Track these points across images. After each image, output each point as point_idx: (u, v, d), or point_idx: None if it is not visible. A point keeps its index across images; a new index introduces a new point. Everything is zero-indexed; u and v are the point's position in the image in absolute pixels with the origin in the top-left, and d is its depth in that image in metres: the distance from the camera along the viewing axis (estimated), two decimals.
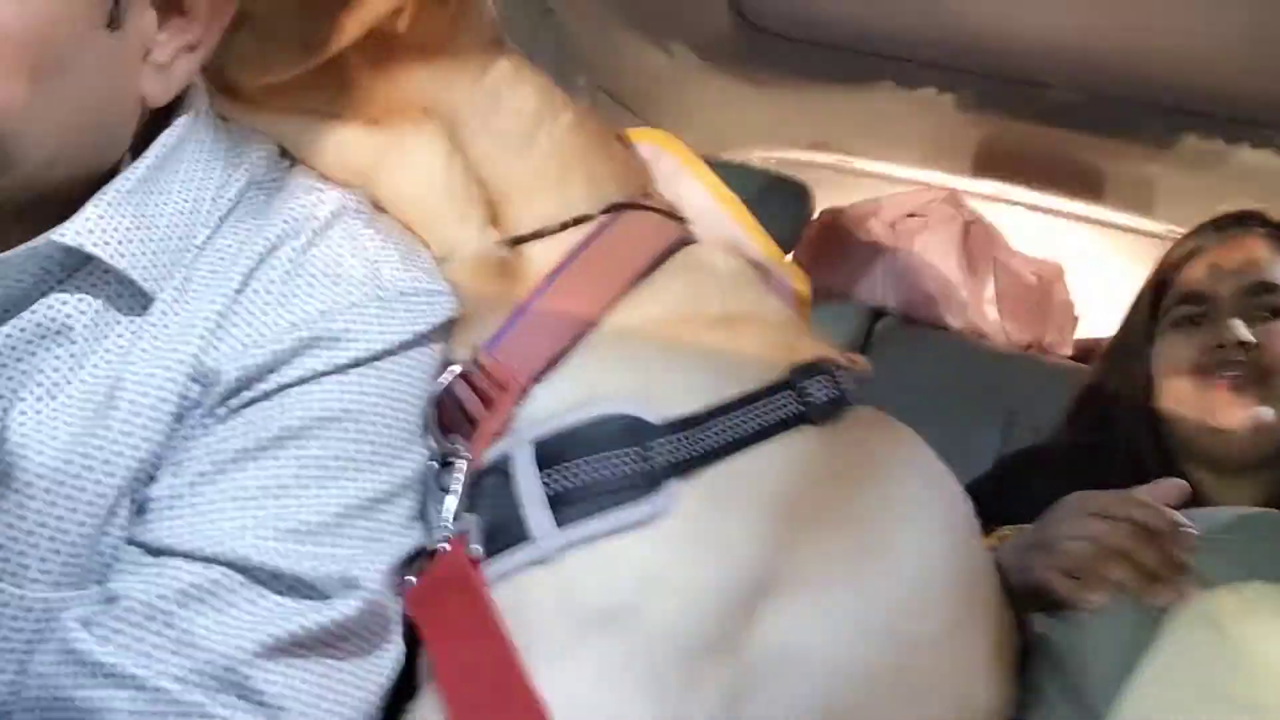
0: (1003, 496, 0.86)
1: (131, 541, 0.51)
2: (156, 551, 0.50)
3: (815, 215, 1.76)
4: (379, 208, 0.62)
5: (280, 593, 0.49)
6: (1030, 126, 1.71)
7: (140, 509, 0.51)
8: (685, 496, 0.56)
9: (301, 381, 0.52)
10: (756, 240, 0.73)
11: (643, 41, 1.64)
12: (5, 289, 0.50)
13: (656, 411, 0.57)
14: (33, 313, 0.51)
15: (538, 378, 0.59)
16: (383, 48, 0.63)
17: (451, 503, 0.56)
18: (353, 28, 0.60)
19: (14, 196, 0.50)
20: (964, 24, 1.49)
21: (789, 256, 1.81)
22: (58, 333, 0.51)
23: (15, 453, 0.49)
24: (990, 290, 1.75)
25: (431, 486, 0.58)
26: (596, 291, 0.62)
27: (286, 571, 0.50)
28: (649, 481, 0.56)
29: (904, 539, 0.61)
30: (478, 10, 0.68)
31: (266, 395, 0.52)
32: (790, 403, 0.61)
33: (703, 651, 0.54)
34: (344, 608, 0.50)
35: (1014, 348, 1.76)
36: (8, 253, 0.49)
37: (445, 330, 0.60)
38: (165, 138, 0.55)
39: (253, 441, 0.51)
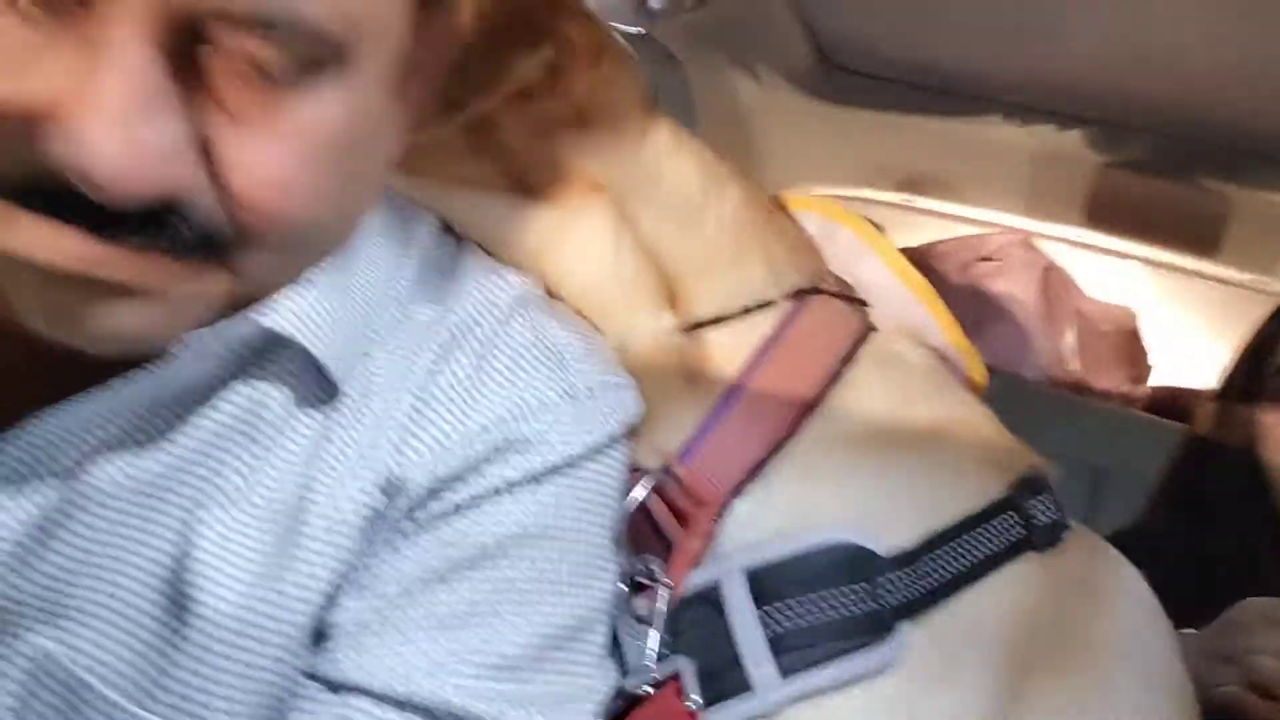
0: None
1: (312, 675, 0.45)
2: (340, 688, 0.44)
3: None
4: (550, 292, 0.56)
5: None
6: (1105, 170, 1.66)
7: (320, 635, 0.45)
8: (916, 644, 0.49)
9: (495, 493, 0.47)
10: (942, 324, 0.66)
11: (719, 77, 1.59)
12: (188, 375, 0.44)
13: (879, 539, 0.51)
14: (221, 404, 0.45)
15: (737, 491, 0.53)
16: (538, 113, 0.57)
17: (654, 638, 0.50)
18: (497, 86, 0.54)
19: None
20: (1044, 66, 1.45)
21: None
22: (243, 430, 0.45)
23: (202, 578, 0.43)
24: (1070, 339, 1.69)
25: (623, 614, 0.51)
26: (794, 392, 0.55)
27: (487, 718, 0.43)
28: (878, 625, 0.49)
29: (1125, 678, 0.54)
30: (631, 73, 0.62)
31: (457, 509, 0.46)
32: (1014, 525, 0.54)
33: None
34: None
35: (1095, 399, 1.70)
36: (203, 330, 0.42)
37: (630, 429, 0.54)
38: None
39: (444, 562, 0.46)
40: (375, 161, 0.45)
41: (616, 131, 0.59)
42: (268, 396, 0.46)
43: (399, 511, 0.46)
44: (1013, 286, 1.68)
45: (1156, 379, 1.84)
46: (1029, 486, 0.56)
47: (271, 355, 0.46)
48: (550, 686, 0.46)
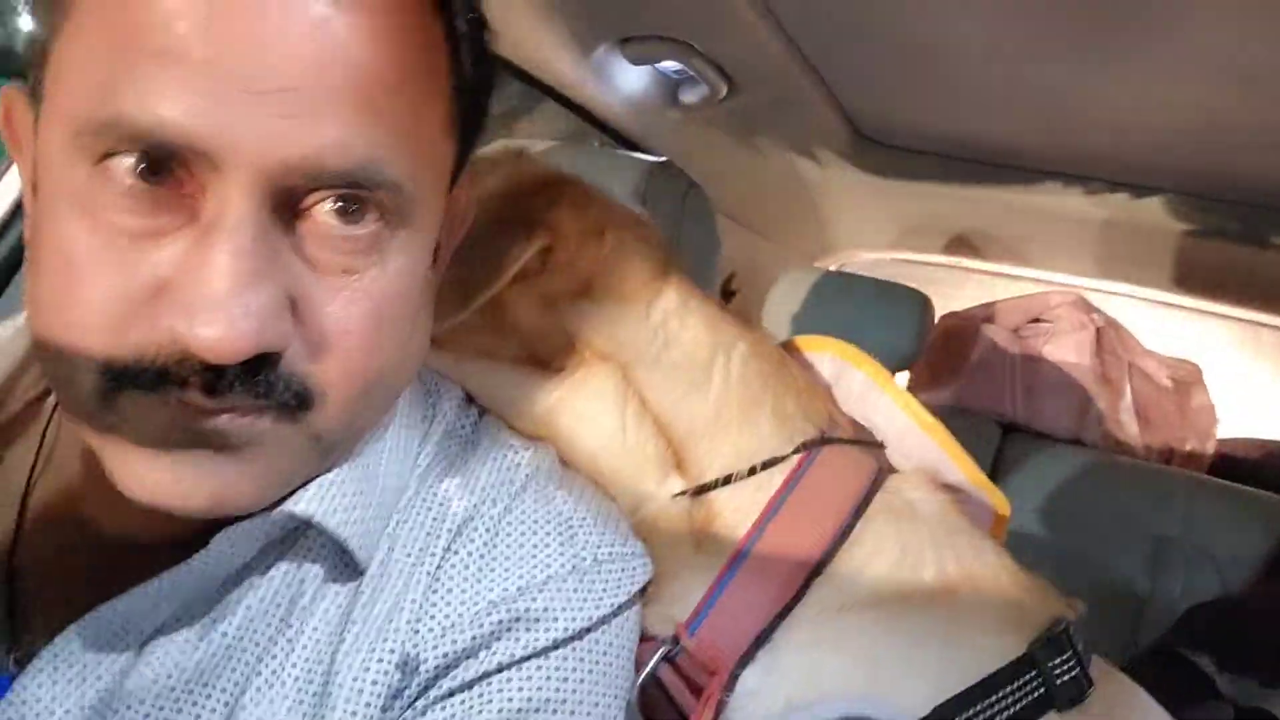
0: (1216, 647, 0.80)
1: None
2: None
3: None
4: (564, 459, 0.59)
5: None
6: (1156, 227, 1.64)
7: None
8: None
9: (501, 669, 0.49)
10: (957, 462, 0.67)
11: (757, 153, 1.62)
12: (228, 562, 0.48)
13: (890, 708, 0.52)
14: (258, 588, 0.49)
15: (745, 660, 0.55)
16: (542, 290, 0.60)
17: None
18: (499, 272, 0.58)
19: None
20: (1080, 136, 1.44)
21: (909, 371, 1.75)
22: (278, 612, 0.49)
23: None
24: (1128, 399, 1.66)
25: None
26: (800, 553, 0.57)
27: None
28: None
29: None
30: (641, 241, 0.65)
31: (467, 685, 0.49)
32: (1035, 687, 0.55)
33: None
34: None
35: (1154, 460, 1.67)
36: (245, 523, 0.46)
37: (640, 595, 0.56)
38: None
39: None
40: (423, 323, 0.50)
41: (622, 301, 0.62)
42: (299, 578, 0.49)
43: (414, 690, 0.48)
44: (1065, 349, 1.67)
45: (1225, 431, 1.80)
46: (1051, 643, 0.57)
47: (301, 538, 0.49)
48: None
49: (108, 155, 0.39)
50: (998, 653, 0.55)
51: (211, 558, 0.46)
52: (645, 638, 0.55)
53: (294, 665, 0.48)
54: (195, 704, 0.47)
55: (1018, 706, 0.54)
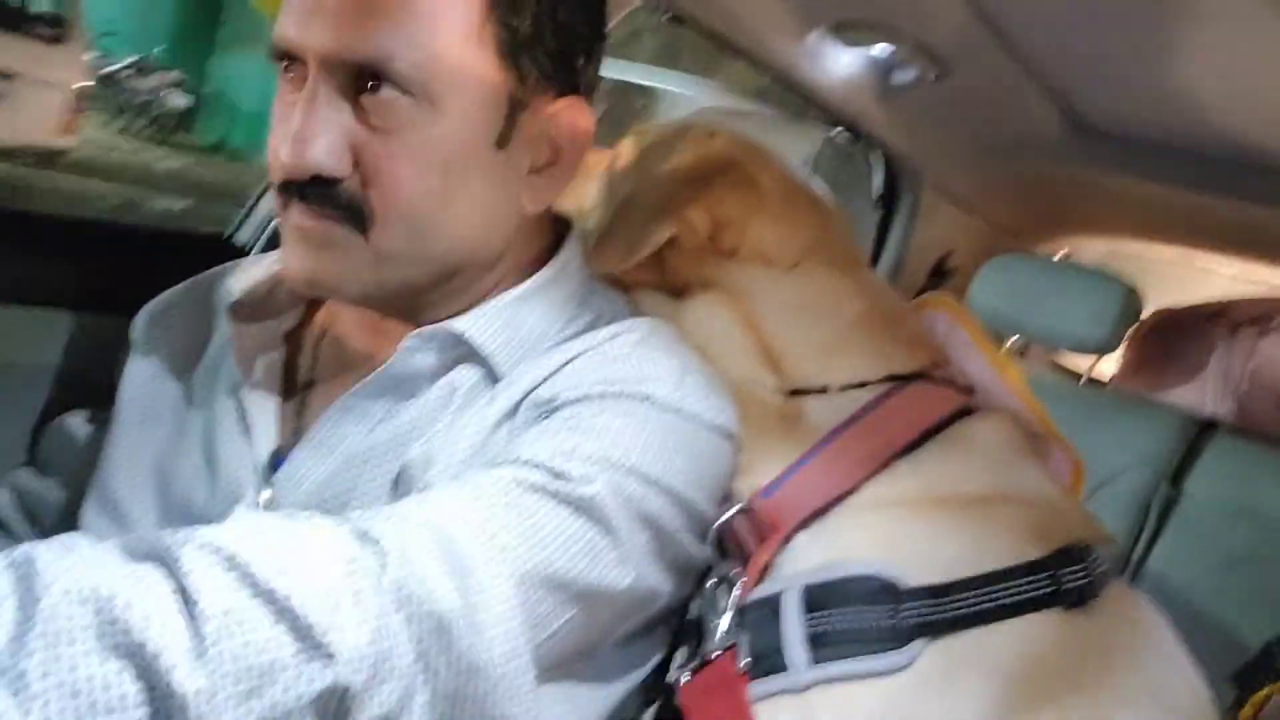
0: None
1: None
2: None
3: (1145, 314, 1.71)
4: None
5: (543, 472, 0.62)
6: None
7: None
8: (928, 655, 0.65)
9: (606, 399, 0.66)
10: (1035, 414, 0.79)
11: (974, 137, 1.68)
12: (418, 363, 0.70)
13: (909, 578, 0.66)
14: (435, 389, 0.71)
15: (802, 525, 0.70)
16: (689, 250, 0.78)
17: (727, 620, 0.69)
18: (652, 240, 0.77)
19: (424, 281, 0.70)
20: None
21: (1112, 356, 1.77)
22: (445, 401, 0.70)
23: (409, 472, 0.68)
24: None
25: (709, 599, 0.71)
26: (864, 459, 0.71)
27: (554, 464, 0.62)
28: (896, 637, 0.65)
29: None
30: (786, 219, 0.80)
31: (577, 401, 0.66)
32: (1045, 585, 0.67)
33: None
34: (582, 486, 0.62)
35: None
36: (419, 331, 0.70)
37: (730, 450, 0.72)
38: (537, 278, 0.74)
39: (559, 423, 0.65)
40: (473, 188, 0.68)
41: (762, 265, 0.78)
42: (460, 379, 0.71)
43: (532, 416, 0.66)
44: (1277, 350, 1.63)
45: None
46: (1066, 555, 0.68)
47: (469, 352, 0.71)
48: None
49: (278, 60, 0.66)
50: (1015, 555, 0.68)
51: (401, 357, 0.69)
52: (729, 497, 0.72)
53: (445, 426, 0.69)
54: (392, 459, 0.69)
55: (1023, 596, 0.66)
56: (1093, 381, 1.89)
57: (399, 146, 0.65)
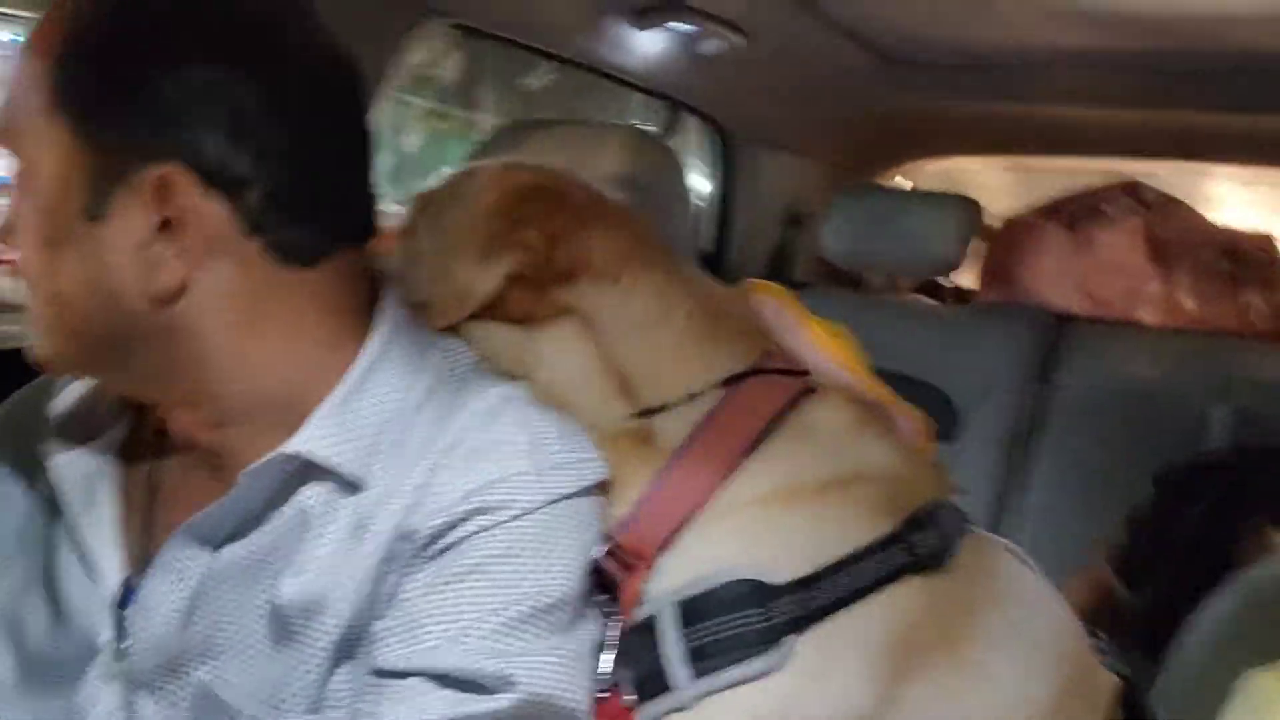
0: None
1: (370, 670, 0.66)
2: (381, 674, 0.65)
3: (987, 226, 1.78)
4: (537, 395, 0.75)
5: (453, 689, 0.63)
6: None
7: (374, 641, 0.66)
8: (802, 648, 0.67)
9: (476, 533, 0.66)
10: (867, 385, 0.81)
11: (798, 88, 1.71)
12: (258, 491, 0.68)
13: (775, 576, 0.68)
14: (285, 509, 0.68)
15: (663, 548, 0.71)
16: (529, 285, 0.77)
17: (608, 657, 0.70)
18: (490, 282, 0.75)
19: (81, 356, 0.69)
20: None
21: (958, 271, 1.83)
22: (304, 522, 0.68)
23: (284, 612, 0.66)
24: (1185, 278, 1.70)
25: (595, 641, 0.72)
26: (714, 467, 0.72)
27: (463, 669, 0.64)
28: (770, 638, 0.67)
29: (1001, 670, 0.69)
30: (608, 230, 0.80)
31: (450, 546, 0.66)
32: (900, 556, 0.69)
33: None
34: (505, 701, 0.63)
35: (1219, 331, 1.70)
36: (260, 462, 0.66)
37: (599, 488, 0.72)
38: (360, 361, 0.70)
39: (442, 579, 0.65)
40: (69, 260, 0.65)
41: (594, 278, 0.78)
42: (312, 498, 0.68)
43: (410, 553, 0.66)
44: (1118, 236, 1.71)
45: None
46: (915, 522, 0.71)
47: (309, 468, 0.68)
48: (515, 648, 0.64)
49: None
50: (869, 532, 0.70)
51: (242, 490, 0.67)
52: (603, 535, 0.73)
53: (316, 555, 0.67)
54: (252, 583, 0.68)
55: (884, 570, 0.68)
56: (959, 297, 1.95)
57: (15, 214, 0.67)
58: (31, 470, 0.76)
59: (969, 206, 1.68)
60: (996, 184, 1.97)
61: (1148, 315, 1.70)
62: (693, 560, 0.70)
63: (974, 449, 1.64)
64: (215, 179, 0.64)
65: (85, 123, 0.63)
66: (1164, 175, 1.94)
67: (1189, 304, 1.69)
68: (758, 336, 0.82)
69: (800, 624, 0.67)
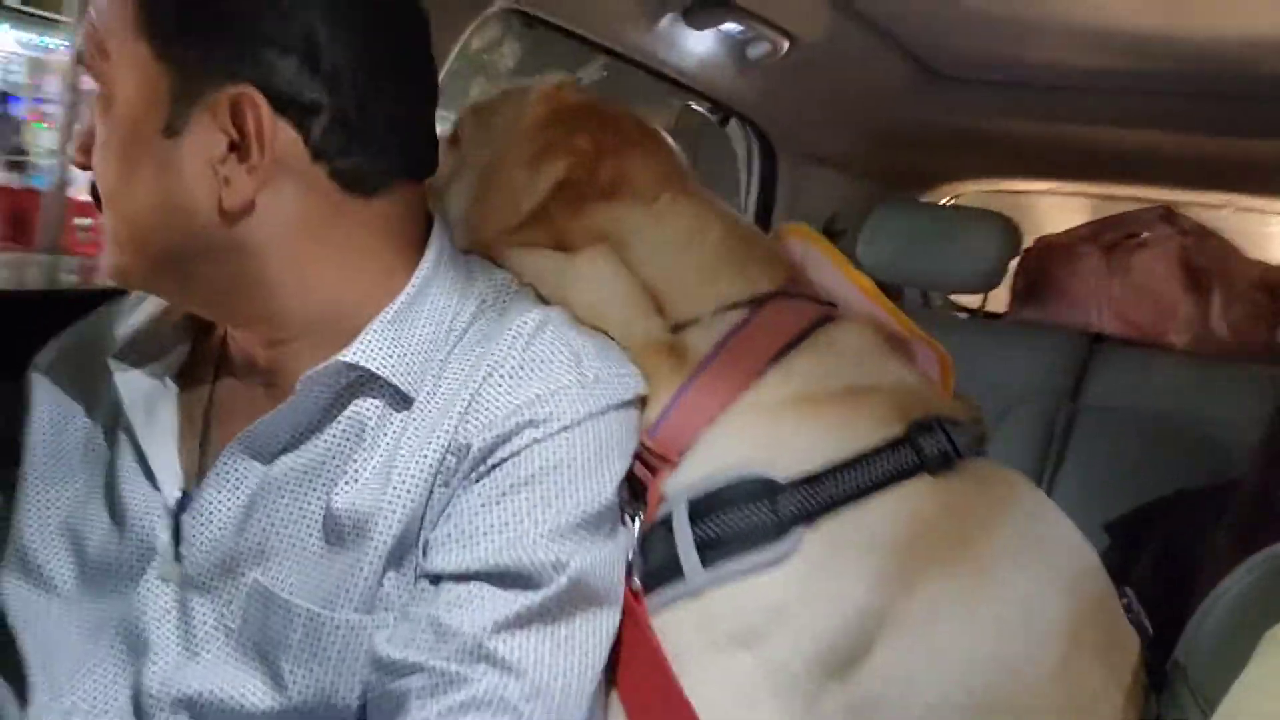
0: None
1: (422, 575, 0.69)
2: (436, 579, 0.68)
3: (1025, 246, 1.80)
4: (575, 315, 0.79)
5: (511, 587, 0.66)
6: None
7: (425, 550, 0.70)
8: (809, 541, 0.69)
9: (526, 446, 0.69)
10: (890, 314, 0.84)
11: (838, 98, 1.76)
12: (315, 399, 0.71)
13: (784, 472, 0.71)
14: (338, 421, 0.72)
15: (688, 449, 0.74)
16: (574, 196, 0.81)
17: (632, 554, 0.72)
18: (544, 184, 0.80)
19: (153, 269, 0.72)
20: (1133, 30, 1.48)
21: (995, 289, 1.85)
22: (353, 434, 0.72)
23: (338, 520, 0.69)
24: (1216, 304, 1.71)
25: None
26: (738, 375, 0.76)
27: (520, 565, 0.66)
28: (778, 529, 0.69)
29: (1012, 578, 0.71)
30: (651, 155, 0.85)
31: (503, 459, 0.69)
32: (907, 456, 0.72)
33: (822, 675, 0.66)
34: (556, 587, 0.66)
35: (1251, 358, 1.70)
36: (319, 368, 0.70)
37: (638, 401, 0.76)
38: (414, 281, 0.73)
39: (498, 491, 0.68)
40: (147, 176, 0.68)
41: (632, 200, 0.82)
42: (365, 410, 0.71)
43: (467, 466, 0.69)
44: (1153, 260, 1.73)
45: None
46: (924, 426, 0.73)
47: (368, 381, 0.71)
48: (566, 547, 0.67)
49: None
50: (878, 434, 0.73)
51: (299, 398, 0.70)
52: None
53: (370, 468, 0.70)
54: (306, 491, 0.71)
55: (892, 468, 0.71)
56: (989, 316, 1.97)
57: (95, 136, 0.70)
58: (97, 389, 0.80)
59: (1009, 226, 1.71)
60: (1060, 214, 1.99)
61: (1179, 339, 1.71)
62: (708, 458, 0.74)
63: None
64: (286, 103, 0.67)
65: (167, 44, 0.67)
66: (1226, 215, 1.97)
67: (1221, 330, 1.70)
68: (785, 265, 0.85)
69: (809, 516, 0.70)
